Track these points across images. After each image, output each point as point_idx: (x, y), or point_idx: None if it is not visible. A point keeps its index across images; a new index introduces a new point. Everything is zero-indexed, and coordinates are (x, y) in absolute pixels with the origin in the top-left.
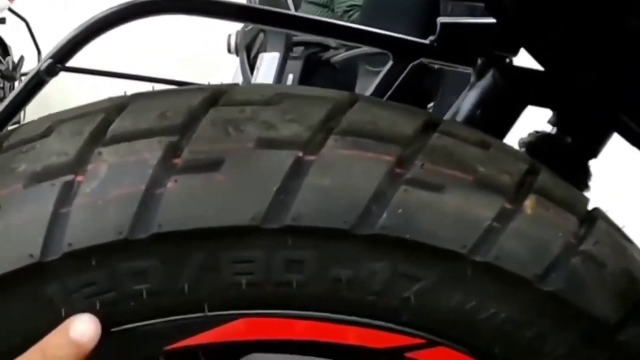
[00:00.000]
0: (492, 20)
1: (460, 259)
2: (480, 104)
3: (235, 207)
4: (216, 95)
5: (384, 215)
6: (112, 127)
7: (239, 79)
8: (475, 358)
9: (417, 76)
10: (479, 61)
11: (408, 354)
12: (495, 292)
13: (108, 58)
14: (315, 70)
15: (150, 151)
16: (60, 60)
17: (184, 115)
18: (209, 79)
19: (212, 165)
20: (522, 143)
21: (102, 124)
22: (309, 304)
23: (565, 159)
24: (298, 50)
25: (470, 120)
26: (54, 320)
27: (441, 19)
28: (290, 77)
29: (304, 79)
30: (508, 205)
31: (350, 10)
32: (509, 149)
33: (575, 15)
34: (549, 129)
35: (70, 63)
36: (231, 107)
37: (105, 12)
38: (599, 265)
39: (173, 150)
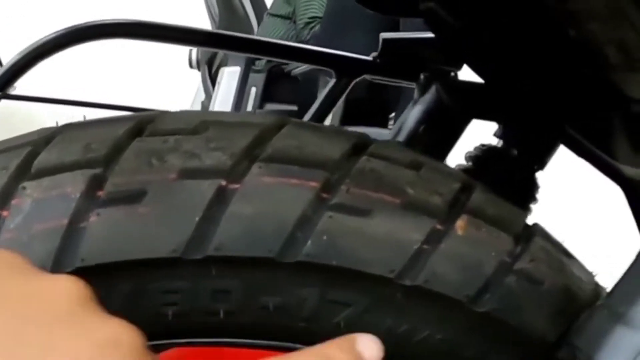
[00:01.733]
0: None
1: (388, 283)
2: (423, 119)
3: (157, 238)
4: (142, 125)
5: (309, 242)
6: (37, 160)
7: (201, 95)
8: None
9: (376, 89)
10: (422, 76)
11: None
12: (428, 315)
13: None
14: (277, 82)
15: (74, 185)
16: (1, 88)
17: (107, 147)
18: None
19: (134, 197)
20: (469, 157)
21: (28, 157)
22: (239, 332)
23: (512, 172)
24: (260, 64)
25: (413, 136)
26: None
27: (383, 35)
28: (253, 90)
29: (267, 91)
30: (439, 227)
31: (312, 22)
32: (442, 168)
33: (514, 28)
34: (495, 142)
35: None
36: (155, 137)
37: (47, 37)
38: (536, 283)
39: (96, 183)
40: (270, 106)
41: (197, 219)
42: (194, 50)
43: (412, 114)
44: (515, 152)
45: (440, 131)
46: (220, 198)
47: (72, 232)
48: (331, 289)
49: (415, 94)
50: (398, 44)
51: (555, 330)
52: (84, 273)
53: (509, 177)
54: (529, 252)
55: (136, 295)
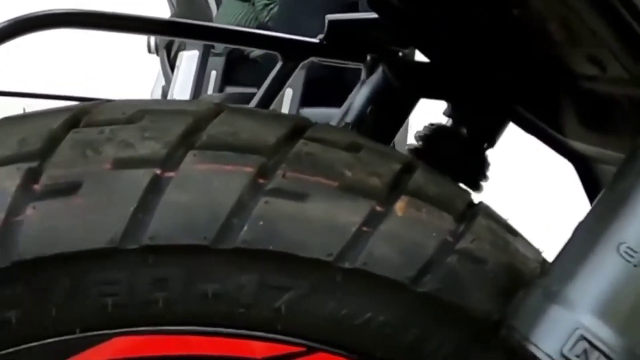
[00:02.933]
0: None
1: (327, 266)
2: (371, 100)
3: (93, 229)
4: (78, 116)
5: (245, 228)
6: None
7: (162, 80)
8: None
9: (336, 69)
10: (369, 57)
11: None
12: (370, 297)
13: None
14: (237, 65)
15: (10, 179)
16: None
17: (43, 140)
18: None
19: (70, 189)
20: (418, 136)
21: None
22: (179, 320)
23: (462, 150)
24: (219, 47)
25: (361, 117)
26: None
27: (329, 17)
28: (214, 73)
29: (227, 75)
30: (378, 208)
31: (270, 4)
32: (382, 149)
33: (460, 9)
34: (444, 121)
35: None
36: (91, 127)
37: None
38: (478, 262)
39: (32, 177)
40: (230, 89)
41: (132, 208)
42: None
43: (360, 95)
44: (464, 130)
45: (388, 111)
46: (155, 187)
47: (9, 226)
48: (269, 274)
49: (362, 74)
50: (344, 25)
51: (499, 308)
52: (21, 267)
53: (459, 155)
54: (472, 232)
55: (76, 287)
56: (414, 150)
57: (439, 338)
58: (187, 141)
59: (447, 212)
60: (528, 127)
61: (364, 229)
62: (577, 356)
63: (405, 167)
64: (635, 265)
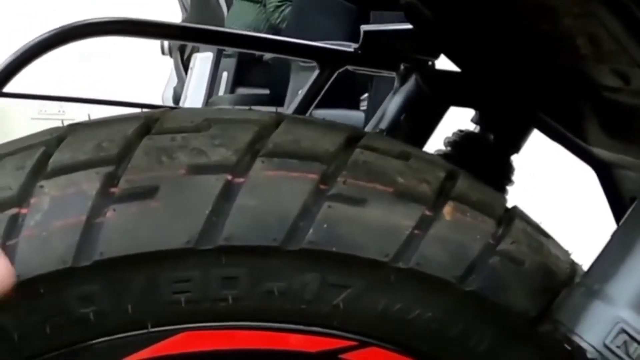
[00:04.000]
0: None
1: (383, 266)
2: (404, 108)
3: (170, 231)
4: (149, 124)
5: (311, 230)
6: (52, 159)
7: (174, 80)
8: (405, 356)
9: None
10: (402, 66)
11: (342, 356)
12: (420, 295)
13: None
14: (249, 67)
15: (89, 182)
16: None
17: (119, 146)
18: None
19: (147, 193)
20: (447, 142)
21: (43, 157)
22: (246, 316)
23: (489, 156)
24: (231, 49)
25: (395, 124)
26: (8, 346)
27: (364, 27)
28: (225, 75)
29: (239, 76)
30: (428, 213)
31: (282, 5)
32: (428, 157)
33: (490, 21)
34: (472, 127)
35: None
36: (163, 135)
37: (38, 39)
38: (517, 263)
39: (110, 181)
40: (242, 90)
41: (207, 211)
42: None
43: (393, 103)
44: (491, 136)
45: (420, 118)
46: (228, 192)
47: (90, 227)
48: (331, 273)
49: (396, 83)
50: (378, 36)
51: (535, 305)
52: (102, 266)
53: (486, 160)
54: (511, 234)
55: (152, 285)
56: (443, 156)
57: (480, 333)
58: (254, 149)
59: (488, 216)
60: (551, 133)
61: (416, 232)
62: (618, 347)
63: (450, 174)
64: None
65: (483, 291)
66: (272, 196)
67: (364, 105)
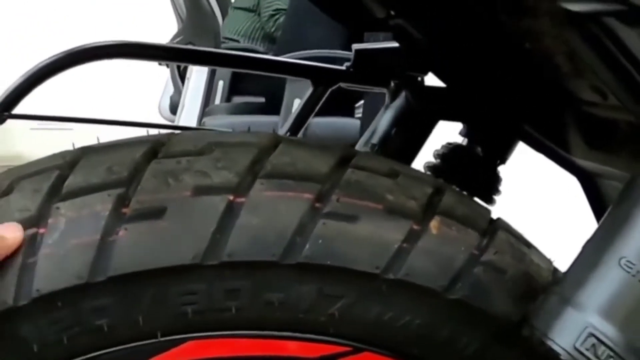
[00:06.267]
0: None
1: (374, 278)
2: (395, 123)
3: (178, 248)
4: (156, 147)
5: (307, 246)
6: (66, 183)
7: (170, 90)
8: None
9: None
10: (392, 83)
11: None
12: (409, 303)
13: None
14: (245, 76)
15: (102, 204)
16: (6, 108)
17: (128, 169)
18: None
19: (156, 213)
20: (437, 154)
21: (58, 180)
22: (248, 325)
23: (476, 167)
24: None
25: (386, 139)
26: (28, 356)
27: (356, 46)
28: (221, 83)
29: (234, 85)
30: (415, 227)
31: (276, 14)
32: (416, 174)
33: (475, 42)
34: (460, 140)
35: None
36: (169, 158)
37: (48, 60)
38: (500, 272)
39: (121, 202)
40: (237, 99)
41: (211, 230)
42: None
43: (384, 118)
44: (479, 149)
45: (410, 133)
46: (230, 211)
47: (103, 245)
48: (326, 284)
49: (387, 99)
50: (369, 54)
51: (518, 312)
52: (115, 281)
53: (474, 172)
54: (494, 245)
55: (161, 297)
56: (433, 168)
57: (466, 337)
58: (254, 170)
59: (473, 229)
60: (537, 145)
61: (405, 245)
62: (587, 349)
63: (437, 190)
64: (633, 275)
65: (468, 299)
66: (271, 215)
67: (359, 112)
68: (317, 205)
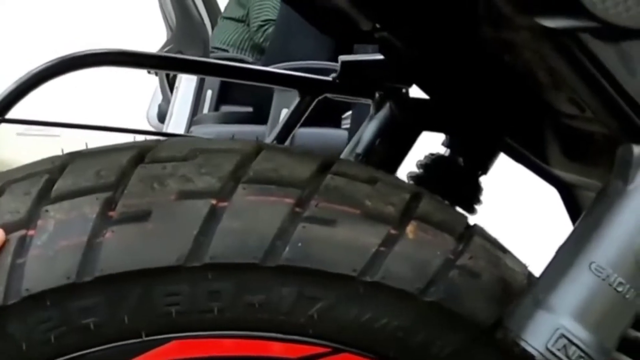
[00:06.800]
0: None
1: (352, 280)
2: (379, 133)
3: (162, 250)
4: (142, 153)
5: (287, 249)
6: (55, 186)
7: (158, 98)
8: None
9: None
10: (377, 94)
11: None
12: (386, 305)
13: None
14: (232, 85)
15: (90, 207)
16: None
17: (116, 174)
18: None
19: (142, 216)
20: (420, 164)
21: (47, 183)
22: (230, 325)
23: (458, 177)
24: None
25: (370, 149)
26: (17, 354)
27: (342, 58)
28: (209, 93)
29: (223, 94)
30: (393, 232)
31: (265, 24)
32: (394, 181)
33: (457, 54)
34: (443, 151)
35: None
36: (155, 164)
37: (41, 67)
38: (475, 276)
39: (109, 205)
40: (225, 108)
41: (195, 233)
42: None
43: (369, 129)
44: (460, 159)
45: (394, 143)
46: (213, 215)
47: (91, 247)
48: (305, 287)
49: (372, 110)
50: (355, 65)
51: (491, 315)
52: (102, 281)
53: (456, 181)
54: (469, 250)
55: (146, 298)
56: (415, 177)
57: (442, 340)
58: (237, 176)
59: (449, 234)
60: (517, 156)
61: (382, 249)
62: (559, 350)
63: (414, 196)
64: (603, 279)
65: (443, 302)
66: (252, 219)
67: (346, 123)
68: (297, 209)
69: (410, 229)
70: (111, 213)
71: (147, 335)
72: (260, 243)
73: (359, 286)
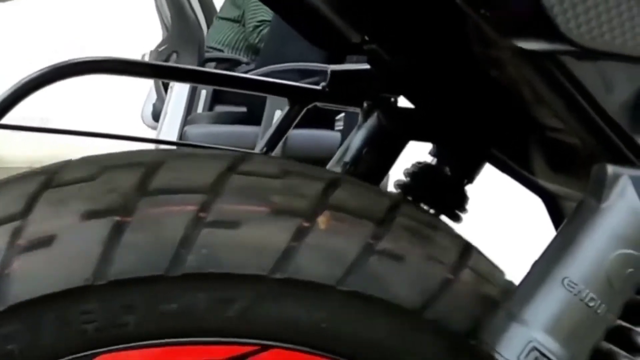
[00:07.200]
0: None
1: (264, 279)
2: (366, 142)
3: (69, 272)
4: (51, 177)
5: (191, 256)
6: None
7: (152, 97)
8: (305, 353)
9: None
10: (365, 103)
11: (251, 359)
12: (305, 299)
13: None
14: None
15: (1, 238)
16: None
17: (24, 201)
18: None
19: (47, 241)
20: (407, 173)
21: None
22: (150, 335)
23: (445, 186)
24: (210, 67)
25: (358, 157)
26: None
27: (331, 67)
28: (203, 93)
29: (217, 94)
30: (304, 225)
31: (261, 25)
32: (310, 172)
33: (445, 67)
34: (430, 160)
35: None
36: (61, 187)
37: (34, 74)
38: (398, 259)
39: (17, 234)
40: (220, 108)
41: (99, 251)
42: (147, 55)
43: (357, 137)
44: (447, 168)
45: (381, 152)
46: (117, 231)
47: (2, 277)
48: (217, 291)
49: (360, 119)
50: (344, 75)
51: (420, 297)
52: (15, 308)
53: (442, 190)
54: (390, 233)
55: (61, 319)
56: (402, 186)
57: (370, 328)
58: (140, 189)
59: (368, 219)
60: (502, 167)
61: (292, 244)
62: None
63: (329, 185)
64: (575, 295)
65: (364, 289)
66: (155, 230)
67: (339, 125)
68: (201, 215)
69: (322, 219)
70: (19, 242)
71: (71, 354)
72: (164, 254)
73: (272, 284)
